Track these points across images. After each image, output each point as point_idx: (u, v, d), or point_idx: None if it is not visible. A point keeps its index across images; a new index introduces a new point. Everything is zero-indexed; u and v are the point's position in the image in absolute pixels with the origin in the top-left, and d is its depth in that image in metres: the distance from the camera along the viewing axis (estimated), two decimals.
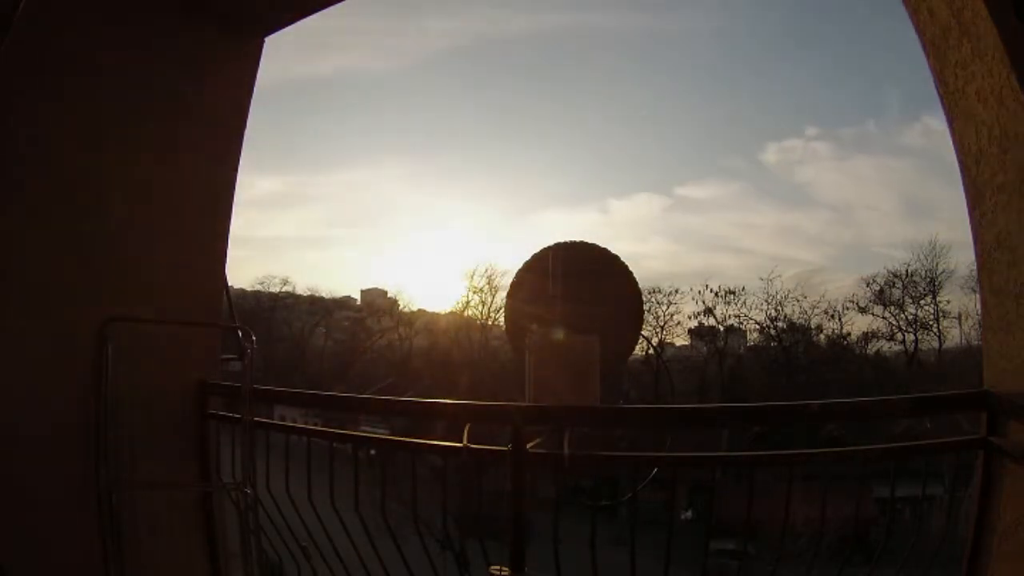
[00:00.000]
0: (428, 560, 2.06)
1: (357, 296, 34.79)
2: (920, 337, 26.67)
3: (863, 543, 2.47)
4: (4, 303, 2.02)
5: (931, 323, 26.69)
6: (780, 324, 27.76)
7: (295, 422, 2.51)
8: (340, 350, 32.19)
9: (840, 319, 27.48)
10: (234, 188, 2.72)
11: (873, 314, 27.07)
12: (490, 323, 29.12)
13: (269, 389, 2.62)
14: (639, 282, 1.97)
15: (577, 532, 1.98)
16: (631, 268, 1.96)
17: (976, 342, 22.49)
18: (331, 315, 33.12)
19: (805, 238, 39.34)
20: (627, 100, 42.34)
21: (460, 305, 31.18)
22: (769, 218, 38.45)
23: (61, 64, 2.11)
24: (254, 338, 2.49)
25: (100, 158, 2.26)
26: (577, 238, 1.96)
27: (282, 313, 31.83)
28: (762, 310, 27.91)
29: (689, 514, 15.58)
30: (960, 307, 26.11)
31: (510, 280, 2.04)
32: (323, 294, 33.70)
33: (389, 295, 33.40)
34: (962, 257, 24.37)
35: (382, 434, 2.38)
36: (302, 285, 34.07)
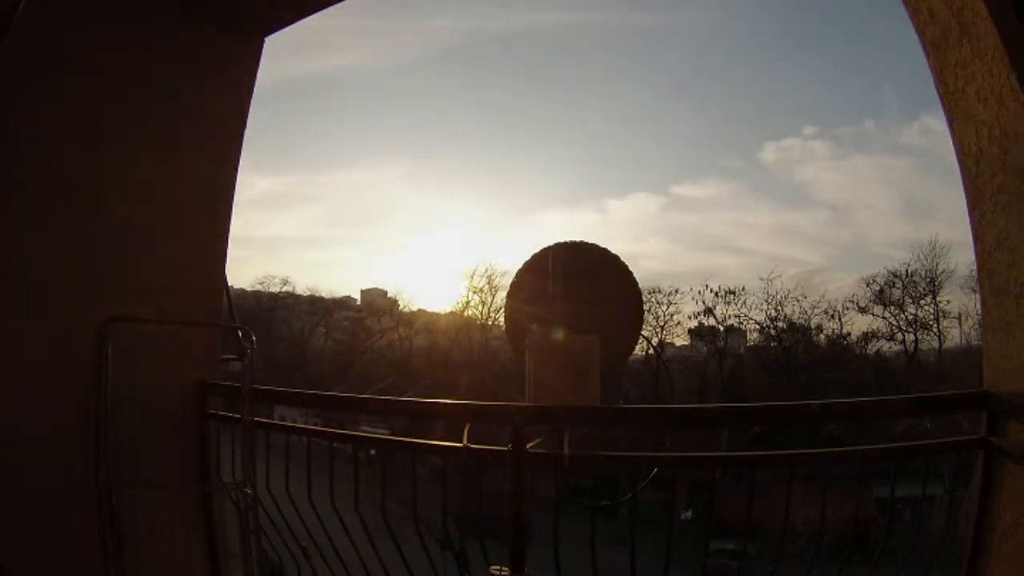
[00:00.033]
0: (428, 560, 2.06)
1: (357, 296, 34.85)
2: (920, 337, 26.72)
3: (863, 543, 2.47)
4: (4, 303, 2.02)
5: (931, 323, 26.73)
6: (780, 324, 27.81)
7: (295, 422, 2.51)
8: (340, 350, 32.20)
9: (840, 319, 27.53)
10: (234, 188, 2.72)
11: (873, 314, 27.12)
12: (490, 323, 29.17)
13: (269, 389, 2.62)
14: (638, 282, 1.98)
15: (577, 532, 1.98)
16: (629, 268, 1.96)
17: (976, 342, 22.51)
18: (331, 315, 33.13)
19: (804, 238, 39.38)
20: (624, 99, 42.38)
21: (460, 305, 31.23)
22: (767, 218, 38.49)
23: (61, 64, 2.11)
24: (254, 338, 2.49)
25: (100, 158, 2.26)
26: (575, 238, 1.96)
27: (282, 313, 31.83)
28: (762, 310, 27.96)
29: (689, 514, 15.58)
30: (960, 307, 26.16)
31: (510, 280, 2.04)
32: (323, 294, 33.79)
33: (389, 295, 33.46)
34: (962, 257, 24.41)
35: (382, 434, 2.38)
36: (302, 285, 34.17)
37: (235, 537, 2.40)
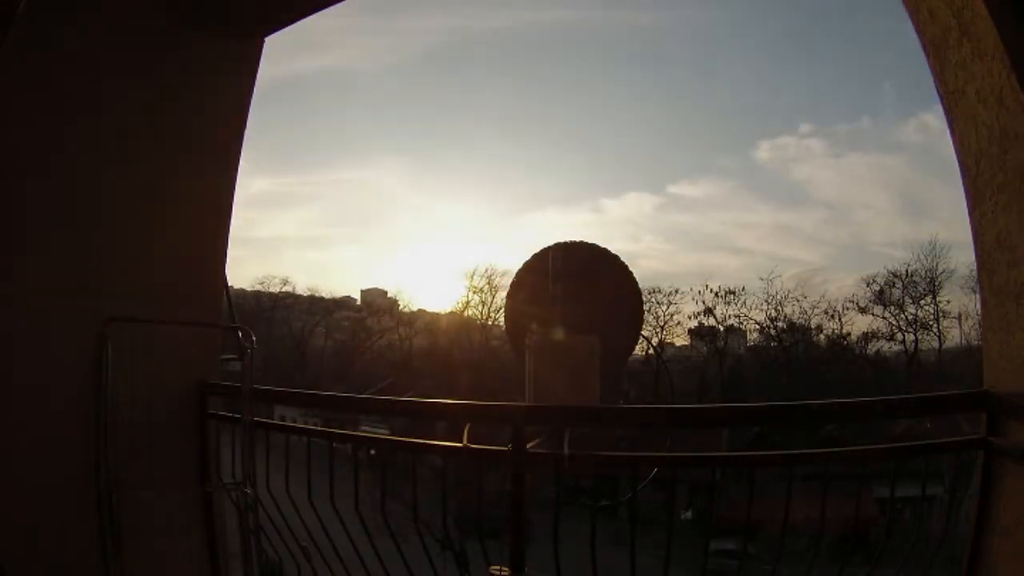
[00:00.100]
0: (428, 560, 2.06)
1: (357, 296, 34.84)
2: (920, 337, 26.72)
3: (863, 543, 2.47)
4: (4, 303, 2.02)
5: (931, 323, 26.74)
6: (780, 324, 27.81)
7: (295, 422, 2.51)
8: (340, 350, 32.20)
9: (840, 319, 27.54)
10: (234, 188, 2.72)
11: (873, 314, 27.12)
12: (490, 323, 29.19)
13: (269, 389, 2.62)
14: (638, 282, 1.98)
15: (577, 532, 1.98)
16: (629, 268, 1.96)
17: (976, 342, 22.50)
18: (331, 315, 33.11)
19: (803, 237, 39.41)
20: (619, 97, 42.35)
21: (460, 305, 31.24)
22: (765, 217, 38.48)
23: (61, 65, 2.11)
24: (254, 338, 2.49)
25: (100, 159, 2.26)
26: (572, 238, 1.96)
27: (282, 313, 31.82)
28: (762, 310, 27.97)
29: (689, 514, 15.57)
30: (960, 307, 26.18)
31: (510, 280, 2.04)
32: (323, 294, 33.78)
33: (389, 295, 33.47)
34: (962, 257, 24.42)
35: (382, 434, 2.38)
36: (302, 285, 34.15)
37: (235, 537, 2.40)
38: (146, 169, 2.41)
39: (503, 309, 2.13)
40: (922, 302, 26.73)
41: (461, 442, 1.84)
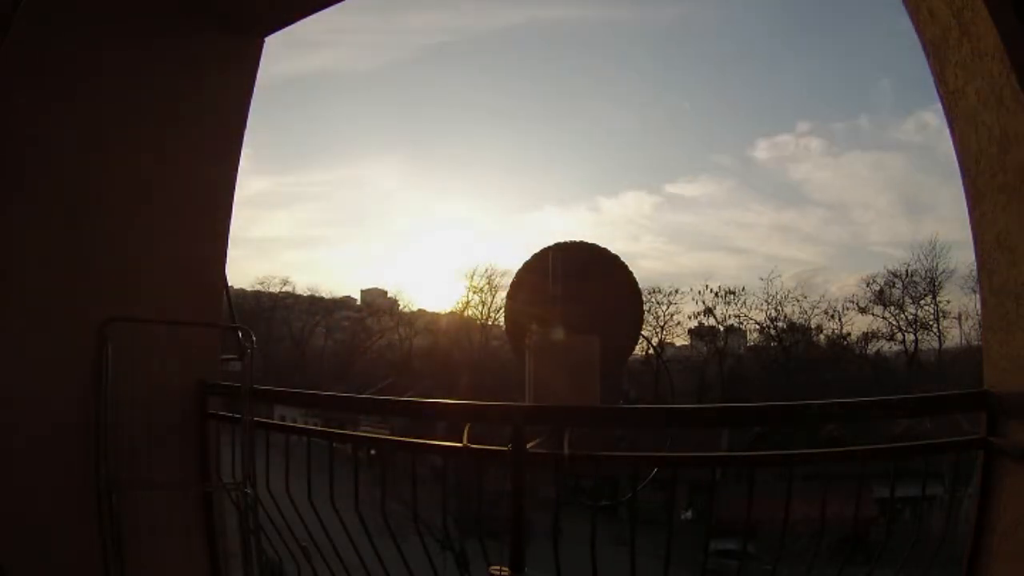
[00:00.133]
0: (428, 560, 2.06)
1: (357, 296, 34.87)
2: (920, 337, 26.74)
3: (863, 543, 2.47)
4: (4, 303, 2.02)
5: (931, 323, 26.75)
6: (780, 324, 27.82)
7: (295, 422, 2.51)
8: (340, 350, 32.22)
9: (840, 319, 27.57)
10: (234, 188, 2.72)
11: (873, 314, 27.15)
12: (490, 323, 29.18)
13: (269, 389, 2.62)
14: (638, 282, 1.98)
15: (577, 532, 1.98)
16: (629, 268, 1.96)
17: (976, 342, 22.51)
18: (331, 315, 33.14)
19: (802, 236, 39.33)
20: (616, 96, 42.35)
21: (460, 305, 31.24)
22: (764, 216, 38.48)
23: (61, 64, 2.11)
24: (254, 338, 2.49)
25: (100, 158, 2.26)
26: (570, 238, 1.97)
27: (282, 313, 31.83)
28: (762, 310, 27.99)
29: (689, 514, 15.57)
30: (960, 307, 26.21)
31: (510, 280, 2.04)
32: (323, 294, 33.82)
33: (389, 295, 33.49)
34: (962, 257, 24.44)
35: (382, 434, 2.38)
36: (302, 285, 34.26)
37: (235, 537, 2.40)
38: (146, 169, 2.40)
39: (503, 309, 2.13)
40: (922, 302, 26.80)
41: (461, 442, 1.84)
